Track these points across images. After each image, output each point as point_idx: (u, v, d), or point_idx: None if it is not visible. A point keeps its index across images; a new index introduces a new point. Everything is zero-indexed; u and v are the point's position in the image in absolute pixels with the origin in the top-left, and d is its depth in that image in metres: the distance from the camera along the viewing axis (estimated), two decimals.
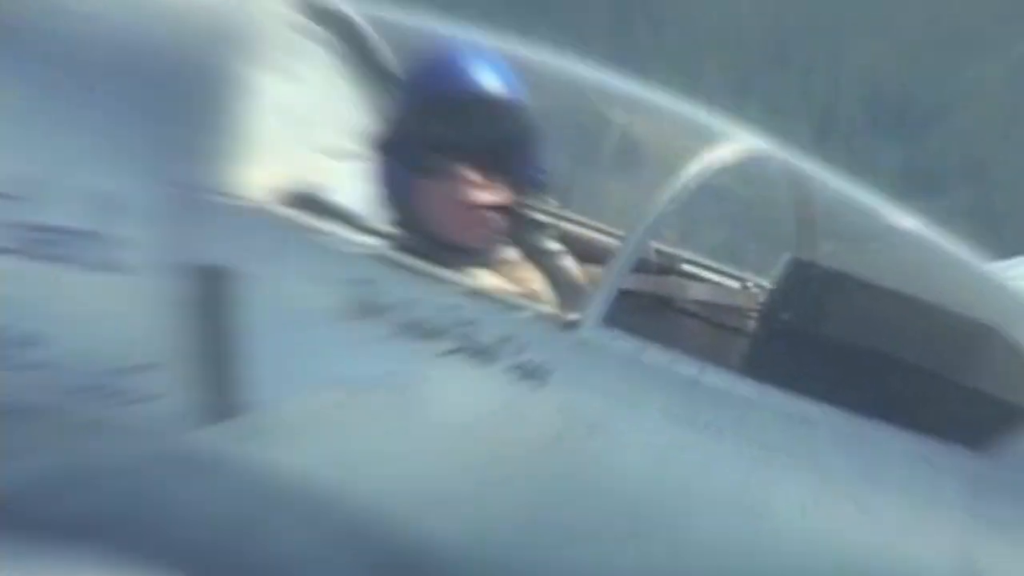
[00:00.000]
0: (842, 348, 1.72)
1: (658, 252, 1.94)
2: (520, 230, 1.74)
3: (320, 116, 1.73)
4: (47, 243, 1.46)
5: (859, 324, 1.77)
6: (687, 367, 1.53)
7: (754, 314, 1.93)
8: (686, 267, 2.02)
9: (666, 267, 1.97)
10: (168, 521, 1.50)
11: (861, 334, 1.75)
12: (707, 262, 2.05)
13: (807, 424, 1.54)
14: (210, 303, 1.46)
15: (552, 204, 1.80)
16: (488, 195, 1.62)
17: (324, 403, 1.49)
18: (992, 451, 1.59)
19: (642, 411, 1.52)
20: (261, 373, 1.47)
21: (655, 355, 1.52)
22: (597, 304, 1.52)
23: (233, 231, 1.47)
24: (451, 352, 1.46)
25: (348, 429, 1.51)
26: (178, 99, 1.50)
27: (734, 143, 1.67)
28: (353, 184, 1.70)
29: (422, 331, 1.46)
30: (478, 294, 1.51)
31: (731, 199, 1.95)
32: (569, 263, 1.83)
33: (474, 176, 1.60)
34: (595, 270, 1.76)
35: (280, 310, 1.47)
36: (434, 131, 1.60)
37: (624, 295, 1.57)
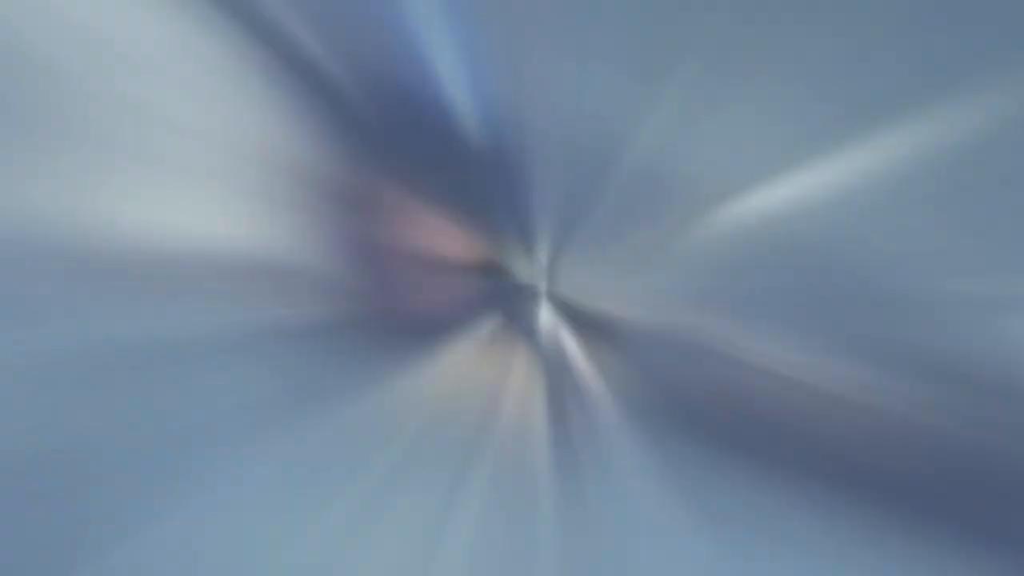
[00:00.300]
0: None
1: (694, 326, 1.55)
2: (497, 296, 1.34)
3: (225, 142, 1.35)
4: None
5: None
6: (738, 487, 1.15)
7: (830, 413, 1.51)
8: (733, 348, 1.62)
9: (706, 349, 1.57)
10: None
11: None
12: (761, 339, 1.63)
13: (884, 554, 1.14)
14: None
15: (543, 259, 1.40)
16: (452, 246, 1.22)
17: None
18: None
19: (675, 555, 1.10)
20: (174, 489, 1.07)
21: (693, 471, 1.14)
22: (609, 401, 1.15)
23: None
24: (396, 480, 1.03)
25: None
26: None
27: (788, 171, 1.28)
28: (267, 233, 1.30)
29: (356, 449, 1.04)
30: (432, 388, 1.09)
31: (789, 253, 1.56)
32: (568, 342, 1.44)
33: (431, 221, 1.20)
34: (605, 352, 1.36)
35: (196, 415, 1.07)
36: (378, 158, 1.22)
37: (646, 384, 1.20)
